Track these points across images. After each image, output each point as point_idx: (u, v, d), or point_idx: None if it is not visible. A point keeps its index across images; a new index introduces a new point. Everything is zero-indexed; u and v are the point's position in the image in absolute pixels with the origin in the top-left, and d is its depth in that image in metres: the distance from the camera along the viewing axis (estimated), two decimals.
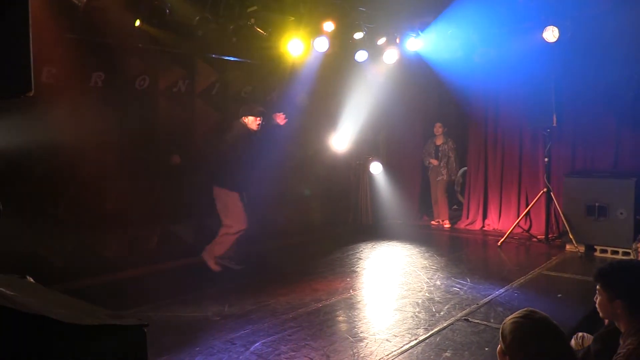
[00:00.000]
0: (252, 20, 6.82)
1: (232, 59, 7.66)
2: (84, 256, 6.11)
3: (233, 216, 6.29)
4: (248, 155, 6.23)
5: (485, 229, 9.13)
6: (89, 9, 5.63)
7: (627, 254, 6.04)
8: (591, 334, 3.14)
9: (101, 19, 5.87)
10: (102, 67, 6.26)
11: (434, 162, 9.52)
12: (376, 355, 4.10)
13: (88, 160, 6.24)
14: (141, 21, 6.00)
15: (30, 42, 1.72)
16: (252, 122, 6.26)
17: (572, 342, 3.21)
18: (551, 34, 6.87)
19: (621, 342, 2.45)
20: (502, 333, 2.01)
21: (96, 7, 5.67)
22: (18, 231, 5.58)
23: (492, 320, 4.76)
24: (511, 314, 2.07)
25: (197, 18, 6.44)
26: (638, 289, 2.46)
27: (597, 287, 2.57)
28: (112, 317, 1.59)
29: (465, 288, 5.83)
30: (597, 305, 2.59)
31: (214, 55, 7.49)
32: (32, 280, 2.11)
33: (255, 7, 6.69)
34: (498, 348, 2.03)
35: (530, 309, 2.03)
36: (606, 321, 2.87)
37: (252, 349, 4.21)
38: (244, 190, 6.40)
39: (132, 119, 6.70)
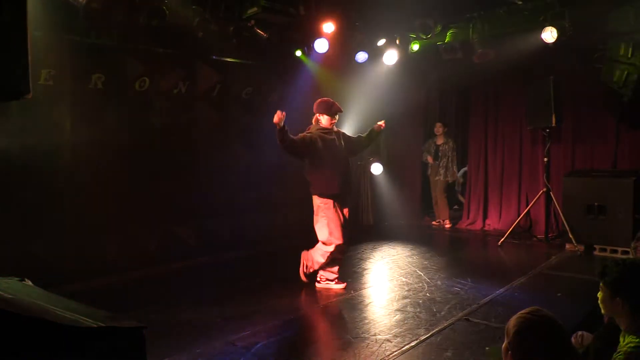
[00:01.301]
0: (252, 22, 6.84)
1: (232, 60, 7.66)
2: (83, 258, 6.10)
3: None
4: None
5: (485, 228, 9.15)
6: (88, 10, 5.64)
7: (626, 253, 6.05)
8: (591, 332, 3.15)
9: (101, 20, 5.89)
10: (102, 69, 6.26)
11: (430, 159, 9.56)
12: (377, 356, 4.10)
13: (87, 162, 6.25)
14: (141, 22, 6.02)
15: (29, 44, 1.72)
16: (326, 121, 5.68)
17: (572, 340, 3.22)
18: (550, 35, 6.87)
19: (621, 340, 2.46)
20: (507, 329, 2.04)
21: (96, 8, 5.68)
22: (17, 233, 5.60)
23: (492, 320, 4.76)
24: (511, 313, 2.10)
25: (197, 19, 6.45)
26: (638, 288, 2.47)
27: (601, 283, 2.59)
28: (110, 319, 1.60)
29: (466, 288, 5.83)
30: (599, 302, 2.61)
31: (214, 57, 7.49)
32: (30, 283, 2.12)
33: (255, 9, 6.69)
34: (503, 344, 2.05)
35: (537, 307, 2.05)
36: (606, 319, 2.88)
37: (253, 350, 4.21)
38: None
39: (132, 120, 6.70)
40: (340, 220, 5.59)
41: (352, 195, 5.99)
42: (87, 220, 6.22)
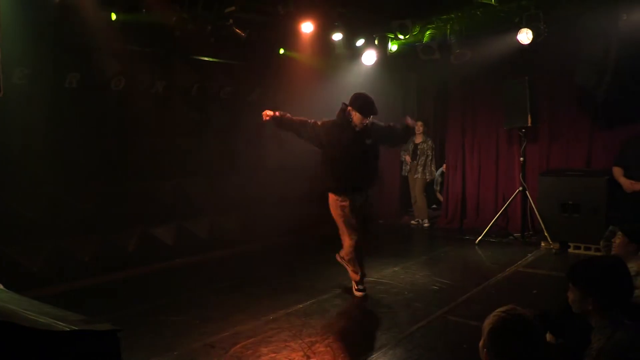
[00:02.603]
0: (231, 21, 6.80)
1: (211, 59, 7.62)
2: (60, 260, 6.02)
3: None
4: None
5: (463, 227, 9.22)
6: (63, 7, 5.56)
7: (600, 251, 6.15)
8: (564, 331, 3.20)
9: (76, 18, 5.81)
10: (77, 68, 6.17)
11: (408, 158, 9.62)
12: (356, 355, 4.12)
13: (63, 162, 6.16)
14: (116, 17, 5.98)
15: None
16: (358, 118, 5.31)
17: (548, 337, 3.27)
18: (525, 36, 6.97)
19: (592, 338, 2.50)
20: (482, 327, 2.06)
21: (71, 5, 5.60)
22: None
23: (470, 318, 4.80)
24: (489, 311, 2.12)
25: (175, 18, 6.40)
26: (608, 286, 2.51)
27: (570, 284, 2.62)
28: (84, 323, 1.58)
29: (444, 286, 5.89)
30: (570, 302, 2.64)
31: (192, 56, 7.44)
32: (1, 286, 2.09)
33: (233, 8, 6.66)
34: (480, 342, 2.07)
35: (512, 306, 2.07)
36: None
37: (231, 351, 4.20)
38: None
39: (108, 120, 6.62)
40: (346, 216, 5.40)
41: (369, 190, 5.68)
42: (62, 221, 6.13)
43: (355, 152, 5.33)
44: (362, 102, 5.31)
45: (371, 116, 5.34)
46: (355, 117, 5.28)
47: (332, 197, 5.45)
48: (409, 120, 5.66)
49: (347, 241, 5.48)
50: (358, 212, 5.46)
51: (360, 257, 5.58)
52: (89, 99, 6.38)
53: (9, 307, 1.65)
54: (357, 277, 5.61)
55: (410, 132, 5.87)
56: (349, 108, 5.32)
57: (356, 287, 5.64)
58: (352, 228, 5.42)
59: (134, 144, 6.91)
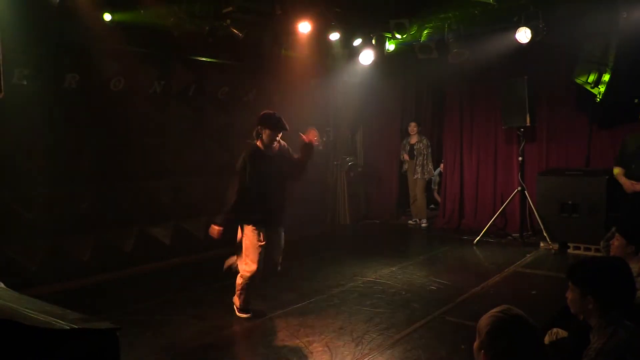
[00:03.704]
0: (228, 21, 6.80)
1: (208, 60, 7.61)
2: (58, 259, 6.02)
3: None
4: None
5: (461, 227, 9.22)
6: (63, 8, 5.55)
7: (599, 251, 6.15)
8: (565, 330, 3.20)
9: (75, 18, 5.80)
10: (76, 68, 6.17)
11: (406, 156, 9.63)
12: (353, 355, 4.12)
13: (62, 162, 6.16)
14: (115, 18, 5.98)
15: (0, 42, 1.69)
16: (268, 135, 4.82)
17: (547, 338, 3.27)
18: (524, 35, 6.97)
19: (591, 338, 2.50)
20: (478, 328, 2.04)
21: (71, 6, 5.60)
22: None
23: (468, 318, 4.79)
24: (487, 311, 2.10)
25: (172, 19, 6.40)
26: (608, 286, 2.50)
27: (569, 283, 2.61)
28: (83, 321, 1.58)
29: (441, 287, 5.89)
30: (568, 302, 2.63)
31: (190, 56, 7.43)
32: (2, 285, 2.08)
33: (230, 8, 6.66)
34: (475, 343, 2.06)
35: (507, 306, 2.06)
36: (580, 317, 2.92)
37: (229, 350, 4.19)
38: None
39: (107, 120, 6.61)
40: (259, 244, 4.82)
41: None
42: (61, 221, 6.13)
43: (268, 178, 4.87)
44: (267, 118, 4.84)
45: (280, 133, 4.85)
46: (265, 135, 4.81)
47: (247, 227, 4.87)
48: (306, 136, 4.91)
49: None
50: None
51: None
52: (88, 99, 6.37)
53: (10, 306, 1.65)
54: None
55: (306, 153, 4.93)
56: (257, 128, 4.85)
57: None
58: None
59: (132, 143, 6.90)
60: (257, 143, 4.87)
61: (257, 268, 4.73)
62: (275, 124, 4.80)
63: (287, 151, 5.00)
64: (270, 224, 4.88)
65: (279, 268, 5.08)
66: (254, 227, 4.77)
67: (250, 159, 4.81)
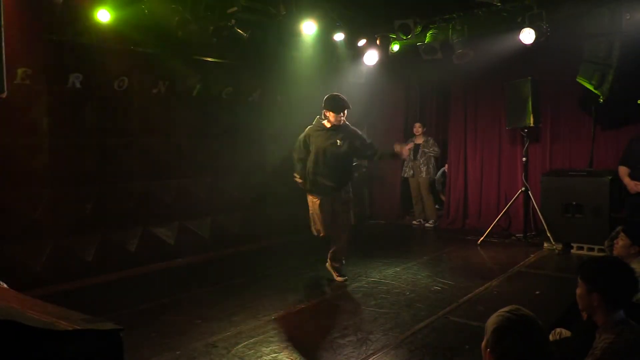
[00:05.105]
0: (233, 22, 6.80)
1: (212, 60, 7.62)
2: (62, 260, 6.02)
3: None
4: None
5: (465, 228, 9.21)
6: (66, 7, 5.56)
7: (603, 251, 6.14)
8: (569, 330, 3.19)
9: (79, 18, 5.81)
10: (80, 68, 6.18)
11: (409, 146, 9.58)
12: (358, 355, 4.12)
13: (66, 162, 6.17)
14: (119, 17, 5.99)
15: (3, 42, 1.69)
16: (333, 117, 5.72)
17: (550, 337, 3.26)
18: (528, 36, 6.96)
19: (597, 336, 2.50)
20: (486, 327, 2.05)
21: (75, 6, 5.61)
22: None
23: (472, 318, 4.80)
24: (491, 311, 2.11)
25: (177, 19, 6.40)
26: (615, 284, 2.53)
27: (578, 279, 2.64)
28: (87, 322, 1.58)
29: (445, 287, 5.88)
30: (577, 297, 2.65)
31: (194, 56, 7.44)
32: (5, 285, 2.09)
33: (235, 8, 6.66)
34: (482, 342, 2.07)
35: (517, 306, 2.07)
36: (584, 315, 2.92)
37: (233, 351, 4.20)
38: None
39: (111, 120, 6.63)
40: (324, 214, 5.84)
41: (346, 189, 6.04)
42: (65, 221, 6.14)
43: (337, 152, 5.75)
44: (329, 100, 5.70)
45: (343, 113, 5.69)
46: (330, 116, 5.69)
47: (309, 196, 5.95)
48: (400, 147, 6.01)
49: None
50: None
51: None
52: (92, 99, 6.38)
53: (12, 307, 1.65)
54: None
55: (393, 156, 6.18)
56: (324, 111, 5.73)
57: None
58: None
59: (136, 143, 6.91)
60: (324, 123, 5.75)
61: (325, 233, 5.86)
62: (337, 107, 5.64)
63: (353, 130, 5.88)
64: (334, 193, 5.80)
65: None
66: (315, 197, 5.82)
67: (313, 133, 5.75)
